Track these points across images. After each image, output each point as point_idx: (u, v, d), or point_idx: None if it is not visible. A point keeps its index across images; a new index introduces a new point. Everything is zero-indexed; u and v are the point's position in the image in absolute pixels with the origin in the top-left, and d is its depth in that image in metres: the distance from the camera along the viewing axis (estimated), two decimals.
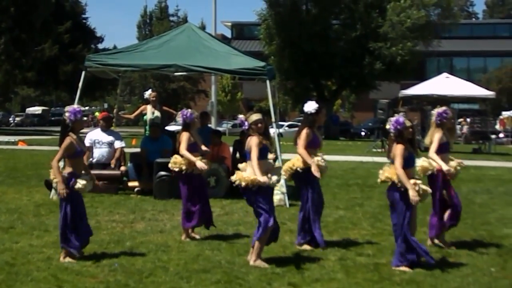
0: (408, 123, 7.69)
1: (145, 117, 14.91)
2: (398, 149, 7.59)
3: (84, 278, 7.03)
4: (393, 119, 7.73)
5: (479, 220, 11.08)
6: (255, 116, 7.71)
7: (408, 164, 7.63)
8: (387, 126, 7.75)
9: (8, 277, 7.00)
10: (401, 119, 7.67)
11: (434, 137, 8.73)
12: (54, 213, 10.95)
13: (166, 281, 6.98)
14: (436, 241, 8.93)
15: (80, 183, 7.76)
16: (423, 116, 30.57)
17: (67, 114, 7.84)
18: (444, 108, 8.95)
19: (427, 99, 31.51)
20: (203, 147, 9.45)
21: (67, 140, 7.77)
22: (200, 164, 9.03)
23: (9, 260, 7.71)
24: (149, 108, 14.82)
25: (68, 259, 7.71)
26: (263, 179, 7.39)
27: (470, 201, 13.12)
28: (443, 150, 8.74)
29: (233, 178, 7.74)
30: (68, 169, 7.85)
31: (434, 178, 8.70)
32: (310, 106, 8.80)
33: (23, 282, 6.84)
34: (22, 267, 7.40)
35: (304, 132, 8.73)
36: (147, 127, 14.78)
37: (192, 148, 9.18)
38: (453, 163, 8.83)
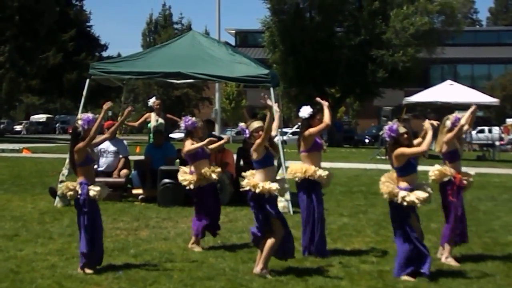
0: (402, 130, 7.53)
1: (149, 124, 14.93)
2: (402, 151, 7.46)
3: (89, 285, 7.04)
4: (386, 127, 7.61)
5: (484, 227, 11.07)
6: (256, 124, 7.64)
7: (407, 171, 7.52)
8: (382, 135, 7.70)
9: (13, 284, 7.01)
10: (394, 126, 7.52)
11: (447, 142, 8.44)
12: (59, 221, 10.99)
13: None
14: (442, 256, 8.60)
15: (94, 190, 7.60)
16: None
17: (80, 122, 7.65)
18: (456, 115, 8.61)
19: (431, 106, 31.50)
20: (224, 136, 9.34)
21: (80, 145, 7.61)
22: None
23: (14, 267, 7.71)
24: (153, 115, 14.84)
25: (86, 270, 7.56)
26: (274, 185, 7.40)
27: (475, 208, 13.10)
28: (456, 157, 8.50)
29: (244, 183, 7.64)
30: (80, 179, 7.68)
31: (450, 186, 8.41)
32: (305, 111, 8.82)
33: None
34: (27, 274, 7.41)
35: (306, 132, 8.71)
36: (151, 135, 14.80)
37: (197, 154, 9.13)
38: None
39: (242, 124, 7.81)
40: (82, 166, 7.69)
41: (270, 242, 7.54)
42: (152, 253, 8.65)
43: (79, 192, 7.59)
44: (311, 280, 7.36)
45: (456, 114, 8.61)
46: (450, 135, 8.42)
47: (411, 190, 7.47)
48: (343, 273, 7.75)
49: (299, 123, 9.15)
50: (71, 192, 7.68)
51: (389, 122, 7.67)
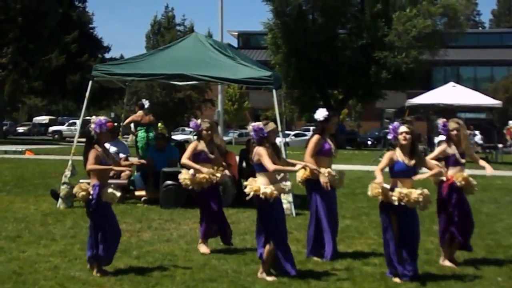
0: (402, 129, 7.49)
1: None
2: (386, 156, 7.55)
3: (91, 287, 7.04)
4: (390, 128, 7.60)
5: (486, 230, 11.06)
6: (273, 125, 7.65)
7: (393, 173, 7.53)
8: (388, 136, 7.68)
9: (16, 286, 7.02)
10: (396, 124, 7.57)
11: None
12: (61, 222, 11.01)
13: None
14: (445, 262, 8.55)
15: (107, 192, 7.58)
16: (429, 125, 30.44)
17: (92, 126, 7.60)
18: (442, 120, 8.59)
19: (434, 108, 31.48)
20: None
21: (92, 154, 7.57)
22: (205, 170, 8.85)
23: (16, 269, 7.73)
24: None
25: (98, 274, 7.54)
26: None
27: (477, 210, 13.07)
28: (450, 163, 8.39)
29: (247, 190, 7.57)
30: (94, 181, 7.63)
31: (443, 187, 8.42)
32: (320, 114, 8.75)
33: None
34: (29, 276, 7.42)
35: (312, 139, 8.68)
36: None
37: (198, 157, 9.04)
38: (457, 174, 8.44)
39: (259, 124, 7.62)
40: (95, 170, 7.66)
41: (268, 247, 7.52)
42: (154, 254, 8.66)
43: (91, 193, 7.58)
44: (313, 282, 7.36)
45: (441, 120, 8.59)
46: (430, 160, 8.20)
47: (392, 189, 7.48)
48: (345, 275, 7.75)
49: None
50: (83, 193, 7.63)
51: (395, 123, 7.66)
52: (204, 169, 8.90)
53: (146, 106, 15.76)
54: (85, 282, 7.22)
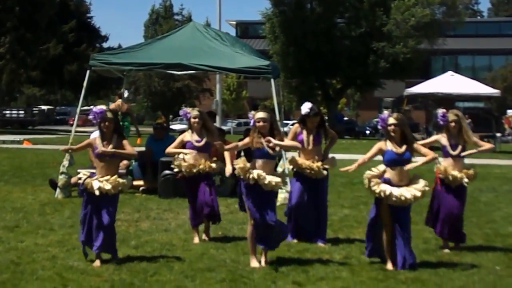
0: (390, 121, 7.54)
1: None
2: (375, 145, 7.76)
3: (89, 277, 7.03)
4: (379, 118, 7.70)
5: (484, 219, 11.07)
6: (261, 114, 7.68)
7: (388, 162, 7.60)
8: (378, 126, 7.79)
9: (13, 276, 7.01)
10: (384, 115, 7.65)
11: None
12: (59, 212, 11.00)
13: (171, 280, 6.98)
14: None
15: (90, 182, 7.62)
16: (428, 115, 30.41)
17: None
18: (442, 110, 8.60)
19: (432, 97, 31.47)
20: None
21: (87, 140, 7.85)
22: (188, 151, 9.05)
23: (14, 259, 7.71)
24: None
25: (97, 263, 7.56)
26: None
27: (475, 199, 13.09)
28: (444, 154, 8.46)
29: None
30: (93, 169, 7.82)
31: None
32: (302, 108, 9.10)
33: (28, 281, 6.84)
34: (27, 266, 7.41)
35: (293, 127, 9.17)
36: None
37: (185, 147, 9.17)
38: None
39: (252, 112, 7.80)
40: (94, 156, 7.94)
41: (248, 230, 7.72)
42: (153, 244, 8.66)
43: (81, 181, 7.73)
44: (312, 271, 7.36)
45: (441, 110, 8.60)
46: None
47: (383, 181, 7.60)
48: (344, 264, 7.75)
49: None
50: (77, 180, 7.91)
51: (385, 112, 7.73)
52: (186, 150, 9.08)
53: (125, 95, 16.18)
54: (83, 271, 7.21)
